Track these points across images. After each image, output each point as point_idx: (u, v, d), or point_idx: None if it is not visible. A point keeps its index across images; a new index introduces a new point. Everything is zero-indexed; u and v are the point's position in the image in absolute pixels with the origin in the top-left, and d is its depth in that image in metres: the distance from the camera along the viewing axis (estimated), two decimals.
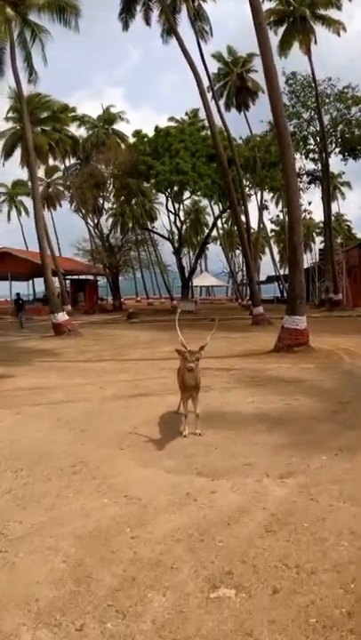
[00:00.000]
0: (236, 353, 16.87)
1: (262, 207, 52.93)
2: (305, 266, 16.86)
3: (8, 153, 46.51)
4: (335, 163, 74.44)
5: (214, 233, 66.42)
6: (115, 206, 55.60)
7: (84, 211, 52.12)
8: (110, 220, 58.10)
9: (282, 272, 70.37)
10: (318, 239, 70.48)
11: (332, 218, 49.17)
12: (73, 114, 52.92)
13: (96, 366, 15.07)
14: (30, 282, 58.93)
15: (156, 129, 45.06)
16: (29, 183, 47.36)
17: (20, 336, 26.44)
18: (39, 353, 18.80)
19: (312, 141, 41.65)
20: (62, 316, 25.44)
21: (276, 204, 63.10)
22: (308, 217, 50.43)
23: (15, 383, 12.70)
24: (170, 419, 8.56)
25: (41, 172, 59.40)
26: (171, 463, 6.50)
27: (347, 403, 9.21)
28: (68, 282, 54.40)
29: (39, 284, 54.64)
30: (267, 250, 74.66)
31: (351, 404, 9.23)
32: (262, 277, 67.10)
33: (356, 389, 10.61)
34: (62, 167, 57.08)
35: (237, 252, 74.02)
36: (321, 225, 58.09)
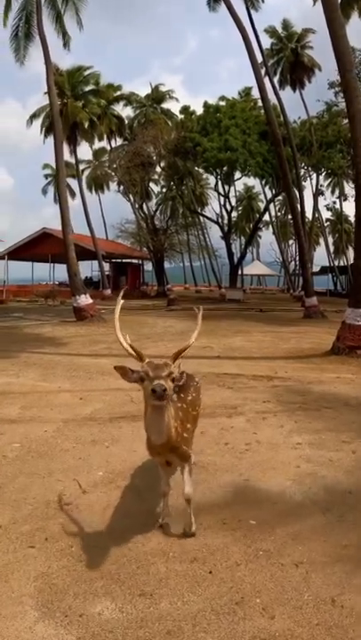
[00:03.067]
0: (283, 353, 13.12)
1: (318, 193, 48.46)
2: None
3: (48, 129, 43.46)
4: None
5: (267, 218, 62.25)
6: (164, 190, 52.63)
7: (130, 195, 49.06)
8: (160, 203, 55.21)
9: (337, 263, 65.99)
10: None
11: None
12: (119, 92, 49.59)
13: (97, 364, 11.55)
14: None
15: (205, 105, 41.24)
16: (74, 164, 44.83)
17: (38, 321, 23.26)
18: (42, 342, 15.48)
19: None
20: (84, 300, 22.14)
21: (332, 191, 58.60)
22: None
23: None
24: (153, 472, 5.02)
25: (89, 154, 56.53)
26: (102, 610, 3.01)
27: None
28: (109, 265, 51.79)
29: (84, 267, 51.75)
30: (321, 241, 69.89)
31: None
32: (316, 269, 62.87)
33: None
34: (109, 148, 53.92)
35: (290, 241, 69.57)
36: None
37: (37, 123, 42.57)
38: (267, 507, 4.30)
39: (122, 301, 4.15)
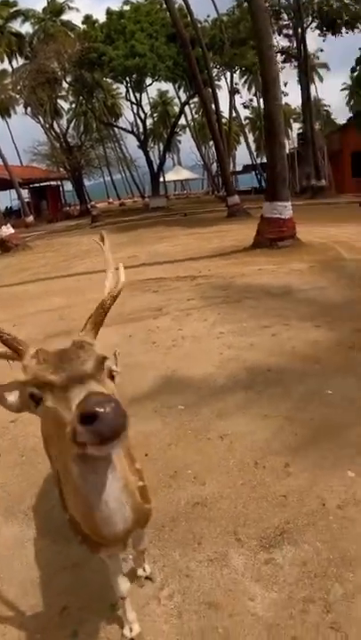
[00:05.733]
0: (207, 252, 13.33)
1: (233, 91, 47.48)
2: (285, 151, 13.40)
3: None
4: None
5: (183, 122, 61.00)
6: (74, 106, 50.55)
7: (39, 115, 46.85)
8: (72, 120, 53.08)
9: (259, 161, 65.82)
10: (295, 125, 65.15)
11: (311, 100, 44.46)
12: (15, 9, 46.00)
13: (26, 290, 11.56)
14: None
15: (108, 11, 39.02)
16: None
17: None
18: None
19: (285, 16, 36.96)
20: (6, 231, 21.58)
21: (249, 88, 57.55)
22: (283, 103, 45.42)
23: None
24: None
25: None
26: (55, 506, 3.28)
27: None
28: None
29: (2, 197, 49.72)
30: (242, 139, 69.25)
31: None
32: (239, 168, 62.51)
33: None
34: (11, 70, 50.57)
35: (211, 143, 68.67)
36: (298, 110, 53.28)
37: None
38: (193, 392, 4.66)
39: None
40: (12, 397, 1.65)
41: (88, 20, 41.15)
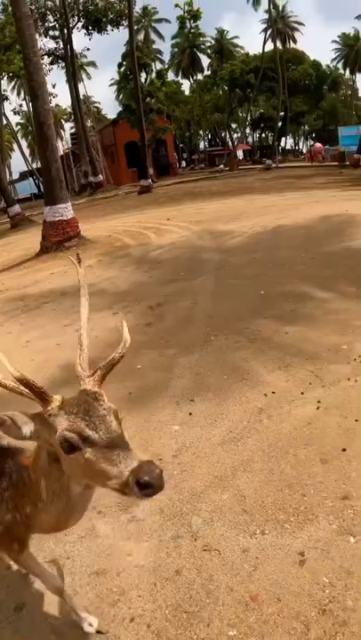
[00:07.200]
0: None
1: (2, 98, 46.41)
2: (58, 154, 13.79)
3: None
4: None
5: None
6: None
7: None
8: None
9: (35, 166, 65.15)
10: (68, 125, 65.66)
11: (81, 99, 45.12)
12: None
13: None
14: None
15: None
16: None
17: None
18: None
19: (51, 18, 37.55)
20: None
21: (18, 94, 56.44)
22: (54, 104, 45.36)
23: None
24: None
25: None
26: None
27: (158, 305, 6.37)
28: None
29: None
30: (15, 146, 67.87)
31: (165, 305, 6.46)
32: (15, 176, 61.29)
33: (161, 282, 7.86)
34: None
35: None
36: (69, 110, 53.73)
37: None
38: (18, 402, 4.70)
39: None
40: (27, 429, 1.72)
41: None
